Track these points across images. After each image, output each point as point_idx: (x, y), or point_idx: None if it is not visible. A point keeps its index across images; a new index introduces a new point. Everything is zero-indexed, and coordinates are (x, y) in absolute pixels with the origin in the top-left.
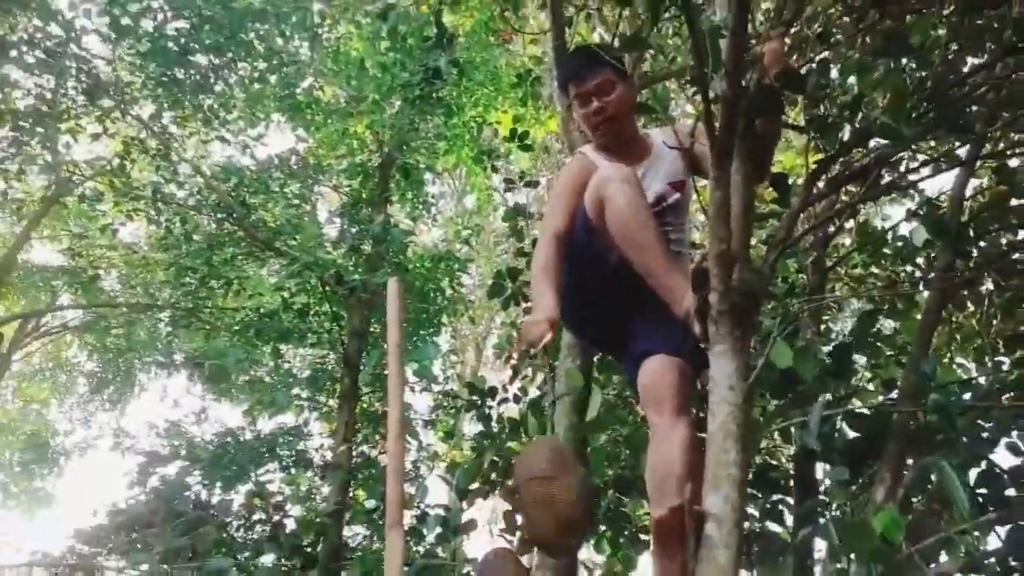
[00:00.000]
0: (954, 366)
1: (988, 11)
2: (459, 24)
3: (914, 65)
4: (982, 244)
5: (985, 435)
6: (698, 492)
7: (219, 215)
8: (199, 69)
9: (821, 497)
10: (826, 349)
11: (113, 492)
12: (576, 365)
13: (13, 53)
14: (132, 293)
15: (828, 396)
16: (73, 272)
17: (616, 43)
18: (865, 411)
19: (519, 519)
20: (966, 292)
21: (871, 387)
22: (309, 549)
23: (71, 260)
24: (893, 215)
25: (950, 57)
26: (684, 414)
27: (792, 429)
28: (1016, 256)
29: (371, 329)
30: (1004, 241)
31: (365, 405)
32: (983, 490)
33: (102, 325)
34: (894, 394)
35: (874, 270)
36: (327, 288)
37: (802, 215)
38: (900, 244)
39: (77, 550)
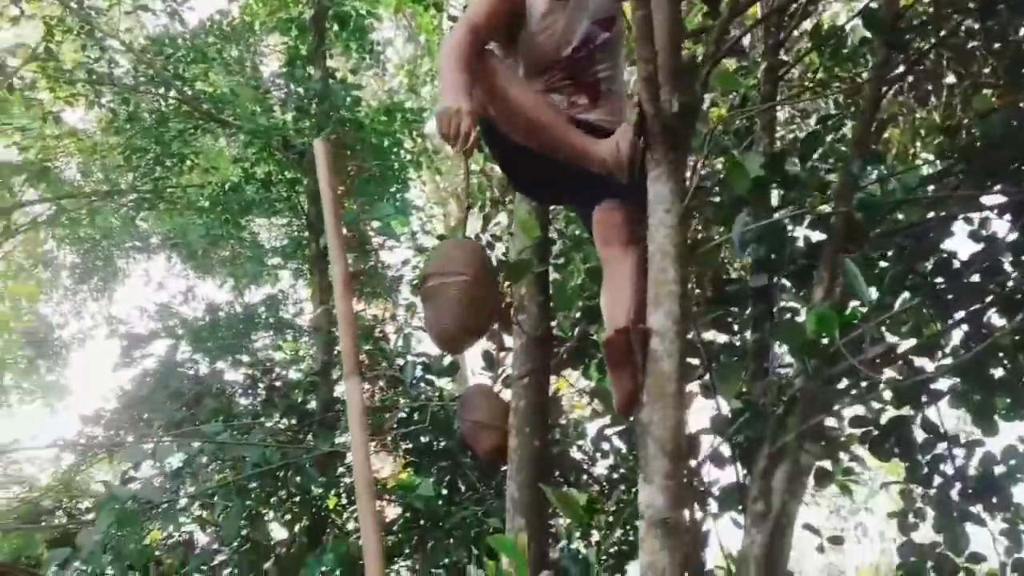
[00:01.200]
0: (918, 161)
1: None
2: None
3: None
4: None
5: (930, 225)
6: (644, 312)
7: (159, 91)
8: None
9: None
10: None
11: (121, 378)
12: (531, 211)
13: None
14: (93, 181)
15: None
16: (26, 165)
17: None
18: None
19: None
20: (930, 87)
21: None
22: (303, 407)
23: (22, 153)
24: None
25: None
26: (631, 245)
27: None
28: (974, 44)
29: None
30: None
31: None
32: (939, 279)
33: (70, 216)
34: None
35: (838, 72)
36: (277, 154)
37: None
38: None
39: (87, 432)
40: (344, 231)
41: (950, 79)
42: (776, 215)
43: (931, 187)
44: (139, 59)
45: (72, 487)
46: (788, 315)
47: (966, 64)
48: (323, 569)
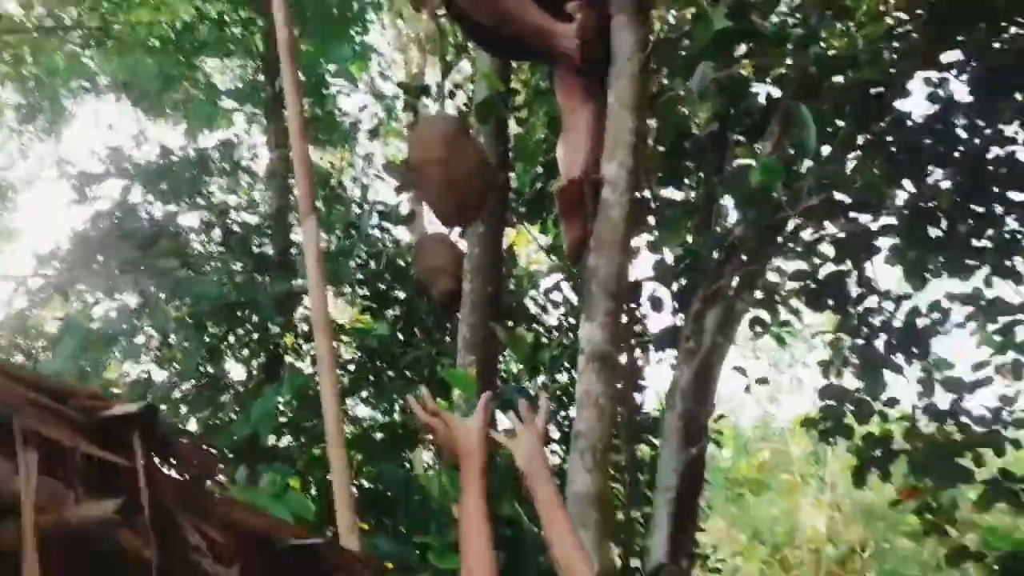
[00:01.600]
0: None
1: None
2: None
3: None
4: None
5: (888, 82)
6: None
7: None
8: None
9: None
10: None
11: (73, 220)
12: (494, 62)
13: None
14: (35, 16)
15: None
16: None
17: None
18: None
19: (421, 195)
20: None
21: None
22: (260, 251)
23: None
24: None
25: None
26: (591, 97)
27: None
28: None
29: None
30: None
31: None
32: (890, 138)
33: (13, 53)
34: None
35: None
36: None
37: None
38: None
39: (40, 273)
40: (300, 75)
41: None
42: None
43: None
44: None
45: (27, 326)
46: (738, 169)
47: None
48: (280, 400)
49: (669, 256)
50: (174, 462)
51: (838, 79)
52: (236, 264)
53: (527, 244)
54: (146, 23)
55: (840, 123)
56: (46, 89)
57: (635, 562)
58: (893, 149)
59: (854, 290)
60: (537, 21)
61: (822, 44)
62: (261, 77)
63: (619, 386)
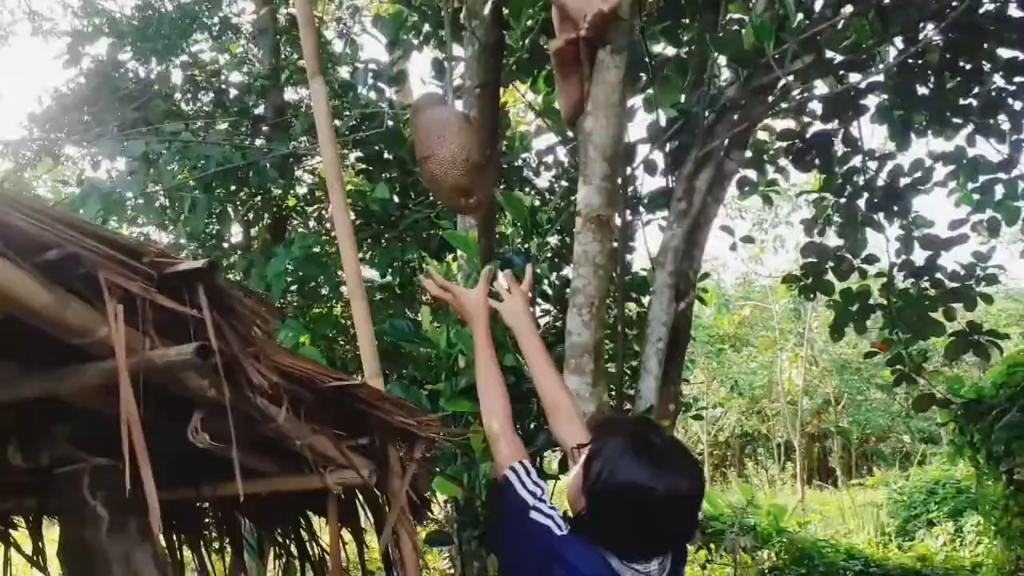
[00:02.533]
0: None
1: None
2: None
3: None
4: None
5: None
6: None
7: None
8: None
9: None
10: None
11: (50, 77)
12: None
13: None
14: None
15: None
16: None
17: None
18: None
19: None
20: None
21: None
22: (254, 109)
23: None
24: None
25: None
26: None
27: None
28: None
29: None
30: None
31: None
32: None
33: None
34: None
35: None
36: None
37: None
38: None
39: (35, 134)
40: None
41: None
42: None
43: None
44: None
45: (21, 187)
46: (734, 27)
47: None
48: (288, 262)
49: (663, 118)
50: (234, 312)
51: None
52: (231, 125)
53: (517, 103)
54: None
55: None
56: None
57: (627, 406)
58: (885, 2)
59: (840, 149)
60: None
61: None
62: None
63: (614, 245)
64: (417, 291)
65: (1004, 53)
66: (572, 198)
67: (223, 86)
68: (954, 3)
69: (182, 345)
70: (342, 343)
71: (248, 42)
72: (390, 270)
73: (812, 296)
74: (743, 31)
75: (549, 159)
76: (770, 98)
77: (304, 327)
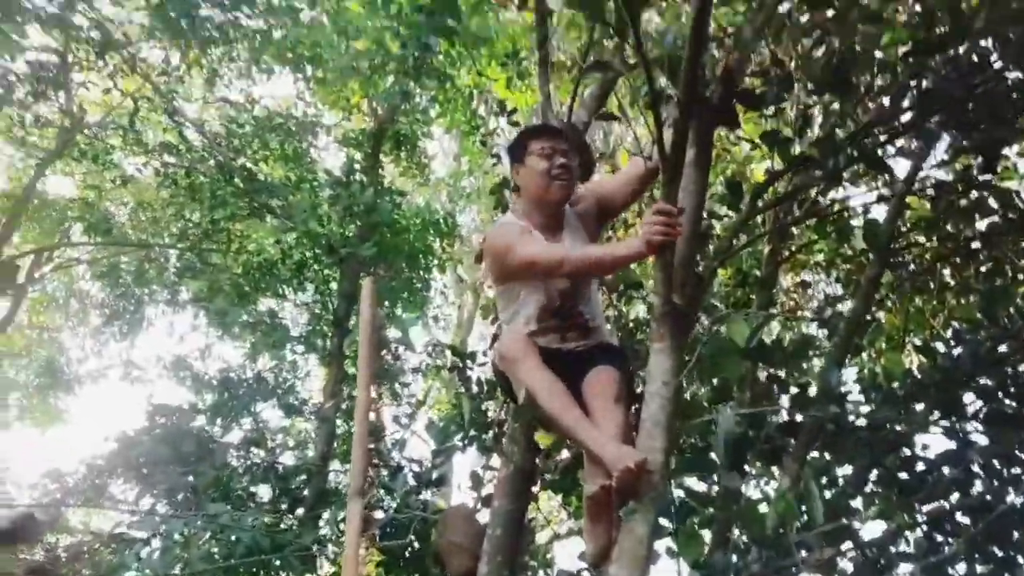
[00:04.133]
0: (908, 348)
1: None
2: None
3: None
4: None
5: (899, 430)
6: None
7: (220, 177)
8: (205, 22)
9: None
10: None
11: (123, 418)
12: None
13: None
14: (141, 229)
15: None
16: (85, 205)
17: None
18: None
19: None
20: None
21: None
22: (297, 491)
23: (83, 193)
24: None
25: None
26: (620, 402)
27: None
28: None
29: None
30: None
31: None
32: (904, 474)
33: (111, 261)
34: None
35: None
36: (318, 254)
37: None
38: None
39: (85, 475)
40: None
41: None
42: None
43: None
44: (211, 145)
45: (55, 524)
46: (755, 497)
47: (959, 272)
48: None
49: (684, 570)
50: None
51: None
52: (270, 501)
53: (548, 500)
54: (235, 251)
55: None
56: (133, 296)
57: None
58: (908, 484)
59: None
60: (587, 437)
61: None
62: (327, 329)
63: None
64: None
65: None
66: None
67: (275, 463)
68: (977, 489)
69: None
70: None
71: (307, 421)
72: None
73: None
74: (767, 506)
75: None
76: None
77: None
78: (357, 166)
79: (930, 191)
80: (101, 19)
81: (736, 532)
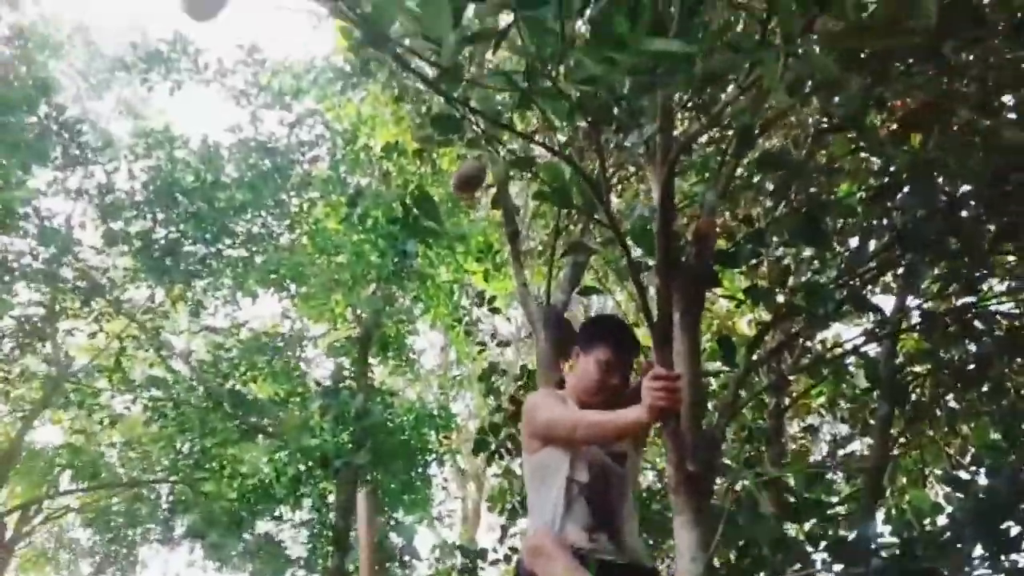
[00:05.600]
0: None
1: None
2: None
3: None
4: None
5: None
6: None
7: (209, 404)
8: (187, 258)
9: None
10: None
11: None
12: None
13: (15, 264)
14: (131, 466)
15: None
16: (73, 451)
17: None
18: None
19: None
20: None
21: None
22: None
23: (71, 439)
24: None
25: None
26: None
27: None
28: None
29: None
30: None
31: None
32: None
33: (102, 505)
34: None
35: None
36: (312, 468)
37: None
38: (862, 364)
39: None
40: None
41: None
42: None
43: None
44: (198, 374)
45: None
46: None
47: (963, 397)
48: None
49: None
50: None
51: None
52: None
53: None
54: (228, 476)
55: None
56: (125, 539)
57: None
58: None
59: None
60: None
61: None
62: (329, 548)
63: None
64: None
65: None
66: None
67: None
68: None
69: None
70: None
71: None
72: None
73: None
74: None
75: None
76: None
77: None
78: (346, 373)
79: (919, 323)
80: (86, 268)
81: None
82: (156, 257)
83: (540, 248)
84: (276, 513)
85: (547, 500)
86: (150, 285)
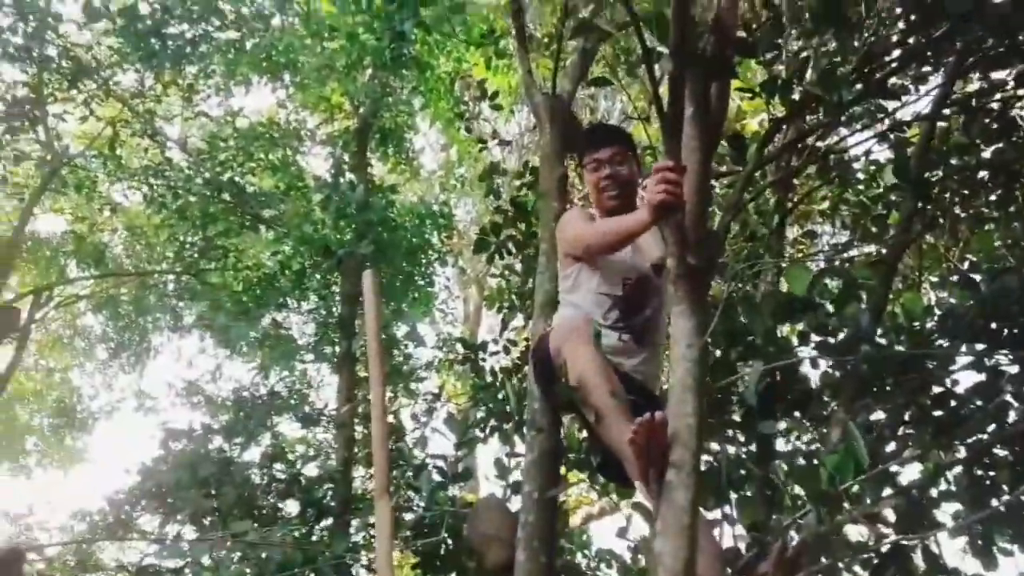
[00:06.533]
0: (925, 287)
1: None
2: None
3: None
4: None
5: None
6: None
7: (210, 192)
8: (175, 40)
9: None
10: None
11: (141, 450)
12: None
13: None
14: (136, 259)
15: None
16: (78, 239)
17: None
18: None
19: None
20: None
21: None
22: (323, 501)
23: (74, 227)
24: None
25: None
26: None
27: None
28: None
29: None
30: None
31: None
32: (938, 412)
33: (111, 293)
34: None
35: (847, 196)
36: (316, 258)
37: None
38: (872, 168)
39: (110, 512)
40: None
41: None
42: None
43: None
44: (196, 162)
45: (86, 563)
46: (800, 457)
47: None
48: None
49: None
50: None
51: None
52: (298, 515)
53: (578, 480)
54: (231, 269)
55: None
56: (136, 327)
57: None
58: (944, 420)
59: (920, 564)
60: (617, 434)
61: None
62: (336, 335)
63: None
64: None
65: None
66: None
67: (297, 476)
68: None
69: None
70: None
71: (325, 431)
72: None
73: None
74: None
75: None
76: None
77: None
78: (345, 166)
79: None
80: (69, 45)
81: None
82: (141, 35)
83: (546, 41)
84: (282, 303)
85: (580, 304)
86: (138, 69)
